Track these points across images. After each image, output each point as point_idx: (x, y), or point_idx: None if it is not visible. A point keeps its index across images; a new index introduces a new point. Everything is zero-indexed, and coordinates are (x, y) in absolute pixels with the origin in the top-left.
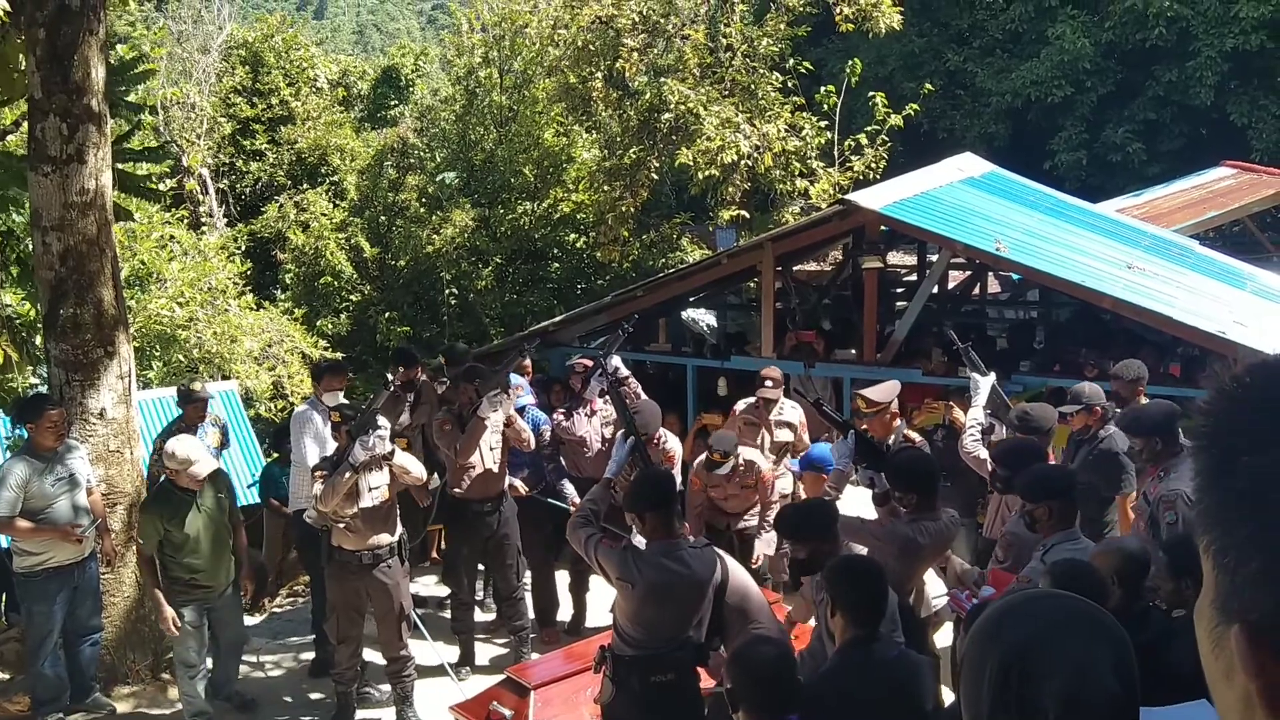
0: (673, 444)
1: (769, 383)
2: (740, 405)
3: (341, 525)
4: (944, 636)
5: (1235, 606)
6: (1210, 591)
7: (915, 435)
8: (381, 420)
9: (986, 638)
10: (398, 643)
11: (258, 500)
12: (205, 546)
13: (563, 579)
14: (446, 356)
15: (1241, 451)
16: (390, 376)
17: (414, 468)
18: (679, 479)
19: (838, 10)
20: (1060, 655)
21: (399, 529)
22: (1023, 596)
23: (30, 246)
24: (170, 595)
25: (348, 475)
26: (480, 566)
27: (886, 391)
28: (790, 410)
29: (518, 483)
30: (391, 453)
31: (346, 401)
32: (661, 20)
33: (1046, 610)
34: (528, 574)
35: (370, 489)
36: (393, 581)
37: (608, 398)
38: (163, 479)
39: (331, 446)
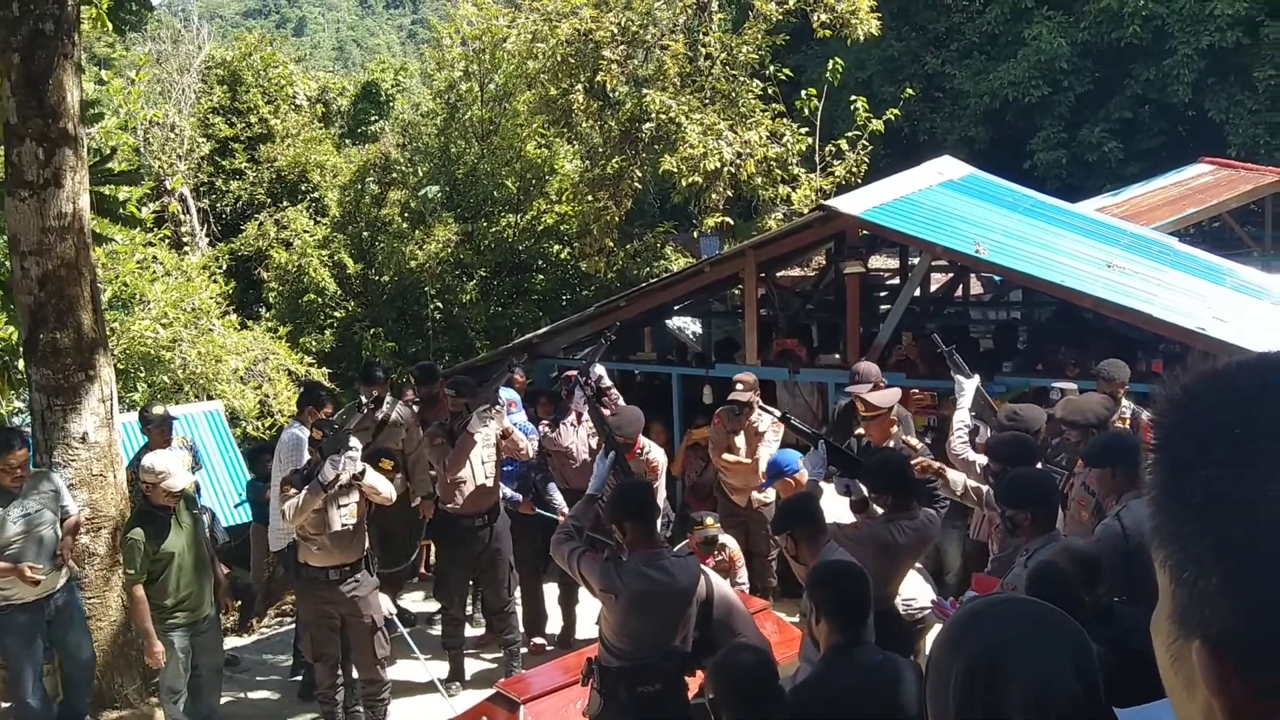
0: (656, 454)
1: (739, 386)
2: (721, 411)
3: (310, 544)
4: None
5: (1195, 621)
6: (1167, 605)
7: (914, 442)
8: (353, 440)
9: (952, 643)
10: (373, 661)
11: (247, 519)
12: (187, 565)
13: (551, 591)
14: (418, 376)
15: (1194, 464)
16: (363, 397)
17: (384, 488)
18: (663, 490)
19: (815, 17)
20: (1025, 660)
21: (365, 546)
22: (988, 602)
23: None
24: (157, 623)
25: (318, 494)
26: (470, 581)
27: (887, 398)
28: (764, 420)
29: (522, 499)
30: (362, 472)
31: (329, 419)
32: (640, 31)
33: (1011, 616)
34: (518, 588)
35: (340, 507)
36: (363, 596)
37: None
38: (140, 504)
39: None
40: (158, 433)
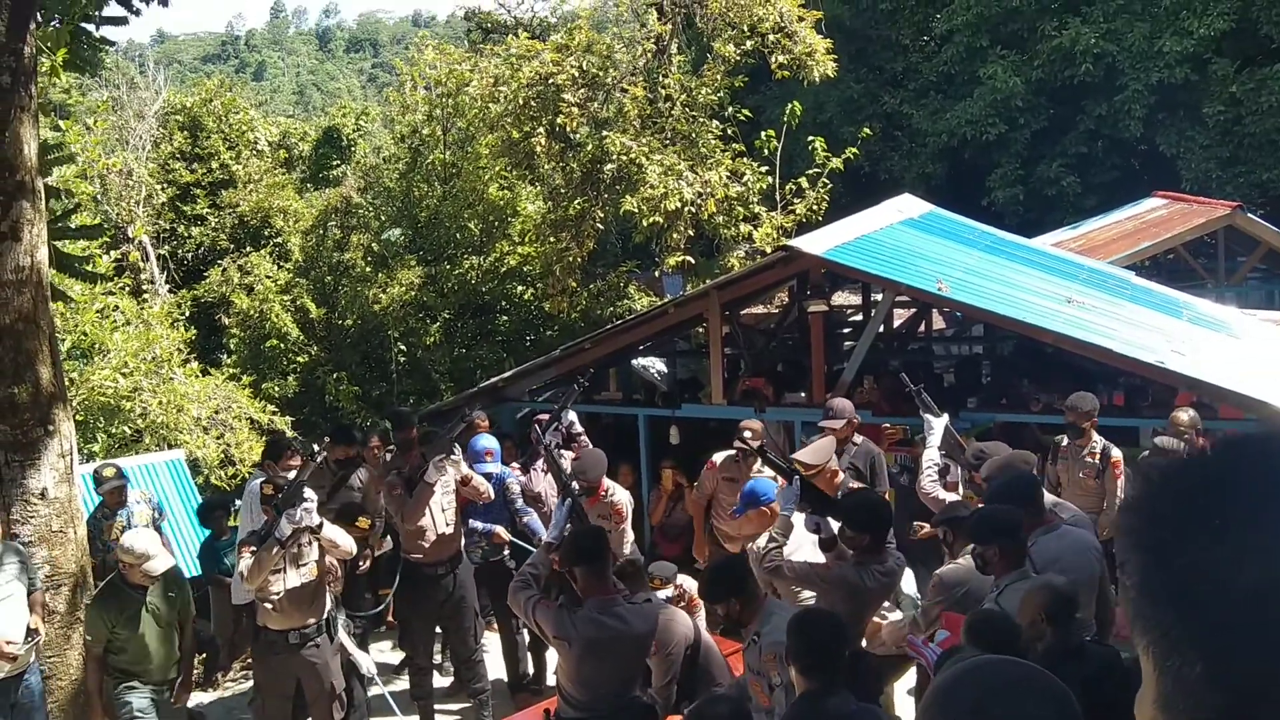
0: (620, 496)
1: (747, 434)
2: (719, 458)
3: (268, 605)
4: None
5: (1181, 708)
6: (1151, 691)
7: (855, 485)
8: (308, 493)
9: (938, 706)
10: None
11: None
12: (153, 647)
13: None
14: (392, 420)
15: (1173, 552)
16: (316, 448)
17: (342, 540)
18: (630, 534)
19: (773, 59)
20: (1009, 717)
21: (326, 607)
22: (969, 665)
23: None
24: (114, 684)
25: (275, 550)
26: (435, 630)
27: (821, 452)
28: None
29: (500, 530)
30: (320, 525)
31: (284, 477)
32: (600, 74)
33: (995, 676)
34: (486, 635)
35: (299, 565)
36: (322, 661)
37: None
38: (114, 580)
39: None
40: (110, 494)
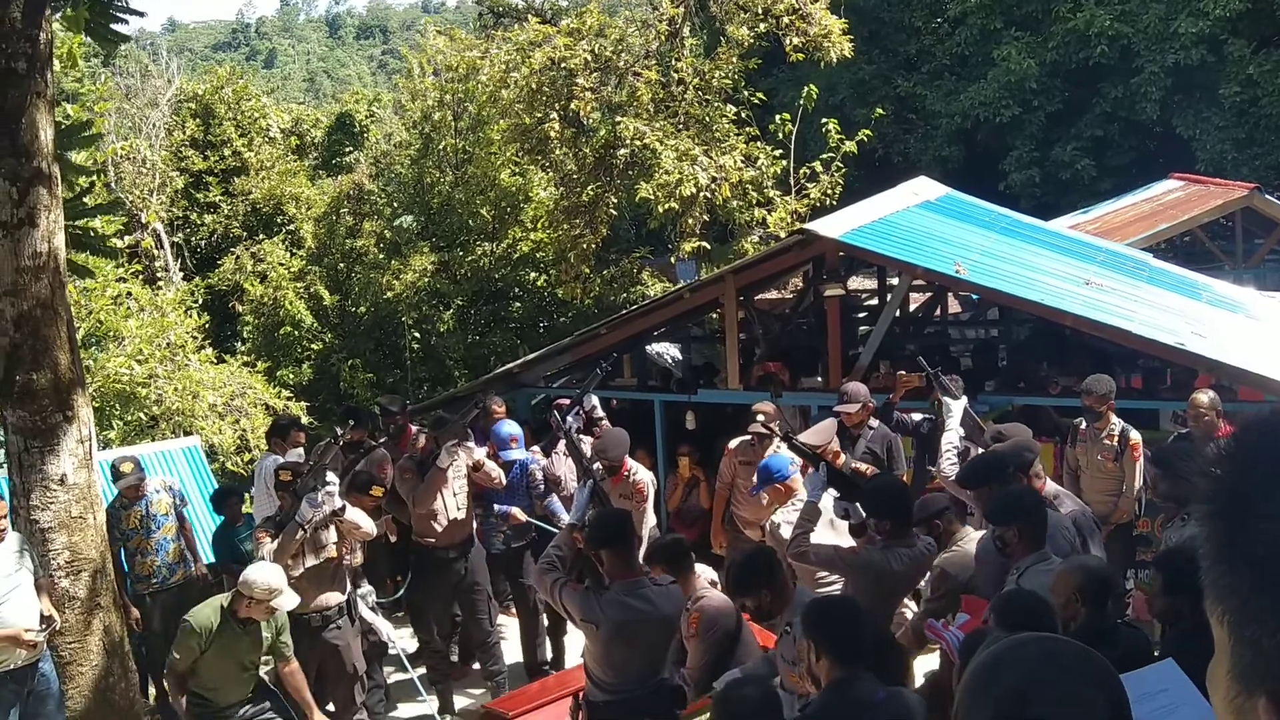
0: (642, 475)
1: (760, 417)
2: (734, 444)
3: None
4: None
5: (1260, 677)
6: (1225, 660)
7: (863, 467)
8: (330, 476)
9: (980, 689)
10: (351, 709)
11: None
12: (230, 680)
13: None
14: (381, 410)
15: (1253, 517)
16: (339, 431)
17: (365, 523)
18: (652, 515)
19: (788, 41)
20: (1059, 697)
21: (348, 587)
22: (1013, 642)
23: None
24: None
25: (298, 535)
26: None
27: (823, 433)
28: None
29: (516, 511)
30: (342, 509)
31: (295, 460)
32: (613, 58)
33: (1036, 655)
34: (503, 619)
35: (319, 548)
36: (344, 643)
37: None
38: (226, 602)
39: None
40: (128, 490)
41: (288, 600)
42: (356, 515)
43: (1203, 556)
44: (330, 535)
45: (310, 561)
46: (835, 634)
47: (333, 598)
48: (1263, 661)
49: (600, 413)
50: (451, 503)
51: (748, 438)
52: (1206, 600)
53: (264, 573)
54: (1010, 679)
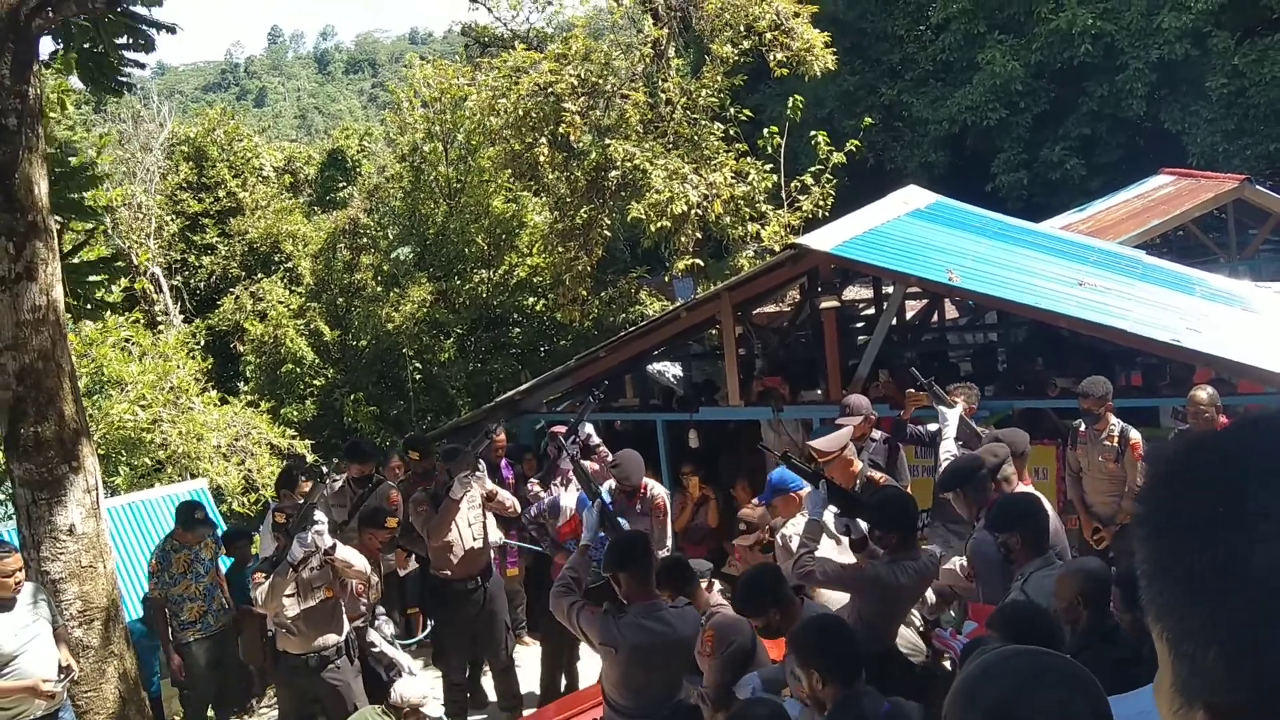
0: (659, 491)
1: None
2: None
3: (283, 629)
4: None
5: (1198, 690)
6: (1168, 675)
7: (878, 476)
8: (319, 515)
9: (967, 698)
10: None
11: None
12: None
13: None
14: (412, 445)
15: (1187, 536)
16: (325, 470)
17: (357, 561)
18: (669, 531)
19: (771, 56)
20: (1043, 708)
21: (345, 627)
22: (996, 655)
23: None
24: None
25: (288, 574)
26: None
27: (837, 440)
28: None
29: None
30: (333, 547)
31: (291, 502)
32: (600, 82)
33: (1022, 666)
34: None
35: (313, 588)
36: (343, 683)
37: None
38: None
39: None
40: (192, 536)
41: (433, 711)
42: (347, 554)
43: (1140, 576)
44: (325, 575)
45: (308, 603)
46: (831, 655)
47: (330, 638)
48: (1199, 676)
49: (596, 440)
50: (467, 533)
51: None
52: (1148, 617)
53: (411, 687)
54: (996, 692)
